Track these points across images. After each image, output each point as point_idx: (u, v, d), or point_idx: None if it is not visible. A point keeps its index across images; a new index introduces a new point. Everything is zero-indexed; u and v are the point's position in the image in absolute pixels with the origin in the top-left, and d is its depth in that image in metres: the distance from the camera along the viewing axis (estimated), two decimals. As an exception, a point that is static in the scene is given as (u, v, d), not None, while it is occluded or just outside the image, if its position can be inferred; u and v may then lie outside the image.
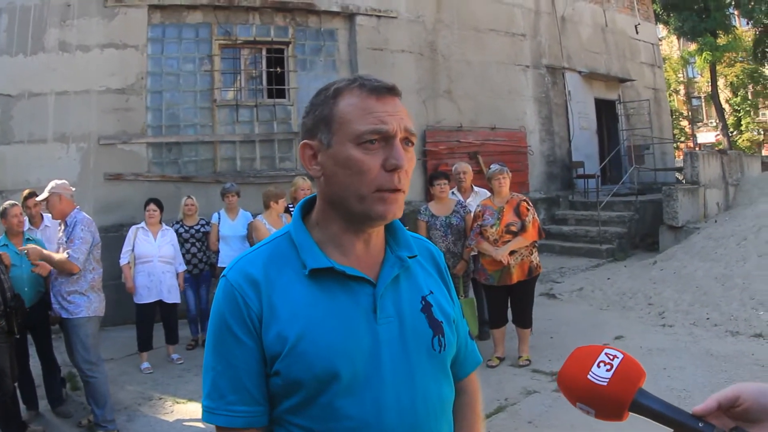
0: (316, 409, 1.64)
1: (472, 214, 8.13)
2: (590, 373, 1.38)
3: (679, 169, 18.68)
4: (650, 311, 9.65)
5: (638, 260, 13.08)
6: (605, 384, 1.36)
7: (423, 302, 1.79)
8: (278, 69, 13.44)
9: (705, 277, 10.13)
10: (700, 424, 1.29)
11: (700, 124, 47.55)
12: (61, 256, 6.21)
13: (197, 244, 9.34)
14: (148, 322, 8.62)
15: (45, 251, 6.55)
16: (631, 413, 1.37)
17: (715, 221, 13.18)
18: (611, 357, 1.40)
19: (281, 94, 13.40)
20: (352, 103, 1.64)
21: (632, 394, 1.35)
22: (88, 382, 6.43)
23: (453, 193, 8.90)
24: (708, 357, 7.40)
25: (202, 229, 9.39)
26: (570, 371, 1.42)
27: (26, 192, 7.87)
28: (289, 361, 1.61)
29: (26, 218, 7.94)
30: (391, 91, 1.67)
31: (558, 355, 7.89)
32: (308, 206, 1.84)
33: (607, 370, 1.37)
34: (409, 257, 1.80)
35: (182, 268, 8.96)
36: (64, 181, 6.58)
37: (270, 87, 13.38)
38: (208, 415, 1.69)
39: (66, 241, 6.26)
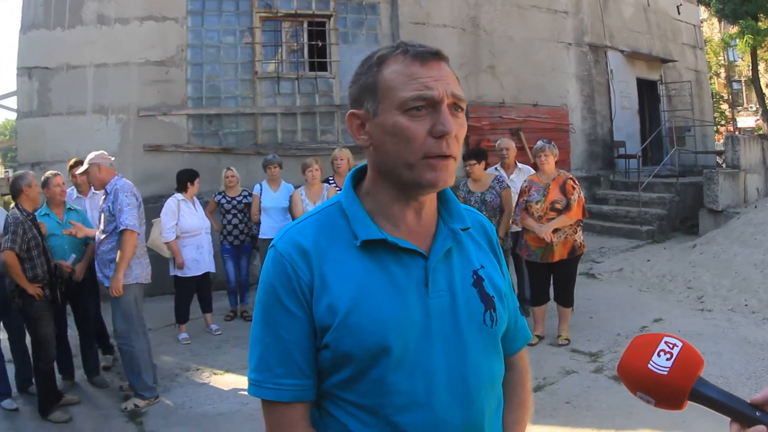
0: (366, 383, 1.62)
1: (510, 190, 8.12)
2: (651, 362, 1.38)
3: (720, 153, 18.47)
4: (689, 295, 9.56)
5: (678, 243, 12.96)
6: (666, 373, 1.36)
7: (474, 276, 1.76)
8: (319, 42, 13.40)
9: (744, 262, 10.01)
10: (757, 413, 1.32)
11: (740, 108, 47.04)
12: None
13: (239, 215, 9.35)
14: (189, 295, 8.70)
15: (88, 231, 6.70)
16: (689, 402, 1.38)
17: (755, 206, 12.99)
18: (671, 346, 1.40)
19: (323, 67, 13.37)
20: (396, 70, 1.61)
21: (692, 382, 1.36)
22: (123, 350, 6.48)
23: (496, 169, 8.87)
24: (745, 344, 7.32)
25: (244, 200, 9.39)
26: (631, 361, 1.42)
27: (72, 161, 7.91)
28: (339, 333, 1.59)
29: (73, 187, 8.00)
30: (435, 55, 1.63)
31: (597, 336, 7.91)
32: (359, 175, 1.82)
33: (668, 359, 1.38)
34: (462, 229, 1.77)
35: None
36: (102, 151, 6.63)
37: (311, 60, 13.38)
38: (254, 388, 1.67)
39: (112, 210, 6.27)
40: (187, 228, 8.41)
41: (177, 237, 8.34)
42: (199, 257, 8.47)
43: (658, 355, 1.38)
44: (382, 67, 1.62)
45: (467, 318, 1.69)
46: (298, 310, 1.62)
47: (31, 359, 6.38)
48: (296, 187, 9.08)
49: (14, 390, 6.64)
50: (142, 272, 6.47)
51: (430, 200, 1.74)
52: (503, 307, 1.80)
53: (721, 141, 19.38)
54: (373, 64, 1.65)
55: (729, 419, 1.36)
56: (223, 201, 9.31)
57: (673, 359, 1.37)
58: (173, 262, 8.40)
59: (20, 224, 6.00)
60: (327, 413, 1.69)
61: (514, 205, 8.00)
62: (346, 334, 1.58)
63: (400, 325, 1.59)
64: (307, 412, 1.69)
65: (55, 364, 6.45)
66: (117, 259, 6.22)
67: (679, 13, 20.28)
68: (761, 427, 1.29)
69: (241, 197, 9.41)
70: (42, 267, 6.16)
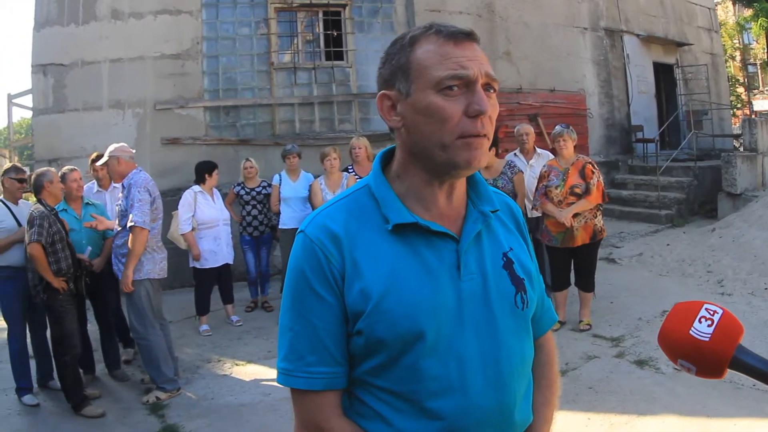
0: (399, 370, 1.61)
1: (522, 175, 8.09)
2: (692, 328, 1.38)
3: (737, 136, 18.38)
4: (709, 279, 9.54)
5: (697, 227, 12.92)
6: (707, 339, 1.36)
7: (504, 258, 1.76)
8: (335, 32, 13.39)
9: (763, 246, 9.97)
10: None
11: (756, 91, 46.64)
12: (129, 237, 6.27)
13: (258, 206, 9.34)
14: (209, 286, 8.70)
15: (108, 225, 6.75)
16: (729, 370, 1.37)
17: (774, 190, 12.95)
18: (712, 312, 1.39)
19: (339, 56, 13.35)
20: (429, 50, 1.59)
21: (733, 349, 1.36)
22: (140, 344, 6.53)
23: (515, 154, 8.84)
24: (766, 327, 7.32)
25: (264, 191, 9.37)
26: (672, 328, 1.42)
27: (94, 155, 7.94)
28: (372, 319, 1.58)
29: (94, 181, 8.04)
30: (469, 36, 1.62)
31: (618, 321, 7.91)
32: (387, 158, 1.81)
33: (709, 326, 1.37)
34: (492, 212, 1.76)
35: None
36: (123, 143, 6.66)
37: (327, 49, 13.37)
38: (285, 377, 1.67)
39: (125, 206, 6.31)
40: (204, 220, 8.41)
41: (193, 229, 8.36)
42: (216, 249, 8.47)
43: (699, 322, 1.38)
44: (415, 47, 1.61)
45: (499, 301, 1.69)
46: (330, 296, 1.61)
47: (53, 354, 6.41)
48: (315, 177, 9.07)
49: (35, 386, 6.69)
50: (154, 267, 6.45)
51: (460, 183, 1.73)
52: (533, 289, 1.81)
53: (738, 124, 19.23)
54: (405, 44, 1.64)
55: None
56: (242, 192, 9.29)
57: (714, 326, 1.36)
58: (192, 254, 8.42)
59: (45, 217, 6.04)
60: (358, 400, 1.69)
61: (534, 189, 7.99)
62: (379, 320, 1.57)
63: (433, 309, 1.59)
64: (339, 400, 1.68)
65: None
66: (126, 256, 6.28)
67: (694, -4, 20.14)
68: None
69: (260, 188, 9.39)
70: (66, 261, 6.19)
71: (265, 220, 9.42)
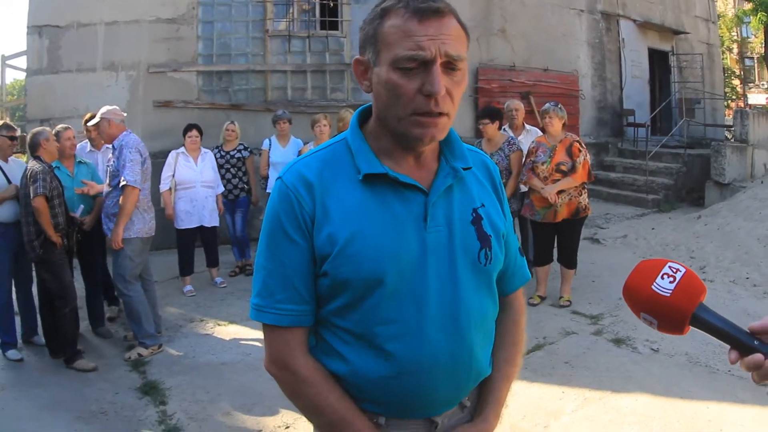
0: (361, 311, 1.69)
1: (521, 152, 8.12)
2: (654, 283, 1.44)
3: (729, 127, 18.42)
4: (691, 265, 9.50)
5: (683, 213, 12.96)
6: (668, 295, 1.42)
7: (474, 214, 1.82)
8: (331, 2, 13.34)
9: (748, 236, 10.02)
10: (755, 342, 1.36)
11: (751, 84, 46.69)
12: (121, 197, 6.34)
13: (232, 169, 9.33)
14: (189, 247, 8.76)
15: (100, 189, 6.81)
16: (691, 327, 1.43)
17: (762, 182, 12.96)
18: (674, 270, 1.45)
19: (334, 26, 13.31)
20: (394, 24, 1.63)
21: (693, 306, 1.41)
22: (123, 299, 6.64)
23: (505, 129, 8.84)
24: (745, 316, 7.33)
25: (238, 155, 9.35)
26: (635, 282, 1.48)
27: (88, 115, 7.94)
28: (338, 262, 1.66)
29: (87, 141, 8.06)
30: (436, 12, 1.62)
31: (598, 299, 7.97)
32: (366, 114, 1.86)
33: (670, 282, 1.43)
34: (464, 168, 1.81)
35: (220, 189, 8.98)
36: (114, 106, 6.70)
37: (323, 19, 13.31)
38: (256, 312, 1.76)
39: (116, 166, 6.38)
40: (181, 180, 8.50)
41: (171, 189, 8.46)
42: (192, 210, 8.53)
43: (662, 278, 1.43)
44: (384, 19, 1.65)
45: (462, 254, 1.76)
46: (300, 238, 1.70)
47: (41, 308, 6.57)
48: (305, 143, 9.10)
49: (19, 341, 6.75)
50: (143, 227, 6.55)
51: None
52: (500, 246, 1.87)
53: (731, 116, 19.28)
54: (377, 14, 1.68)
55: (728, 348, 1.40)
56: (218, 155, 9.24)
57: (676, 282, 1.42)
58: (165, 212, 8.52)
59: (46, 172, 6.10)
60: (322, 339, 1.78)
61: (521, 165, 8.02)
62: (344, 263, 1.65)
63: (396, 256, 1.66)
64: (305, 337, 1.78)
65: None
66: (117, 214, 6.33)
67: (693, -15, 20.11)
68: (758, 356, 1.34)
69: (235, 151, 9.37)
70: (62, 216, 6.28)
71: (239, 183, 9.39)
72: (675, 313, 1.41)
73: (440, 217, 1.73)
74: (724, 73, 28.24)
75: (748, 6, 27.74)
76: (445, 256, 1.73)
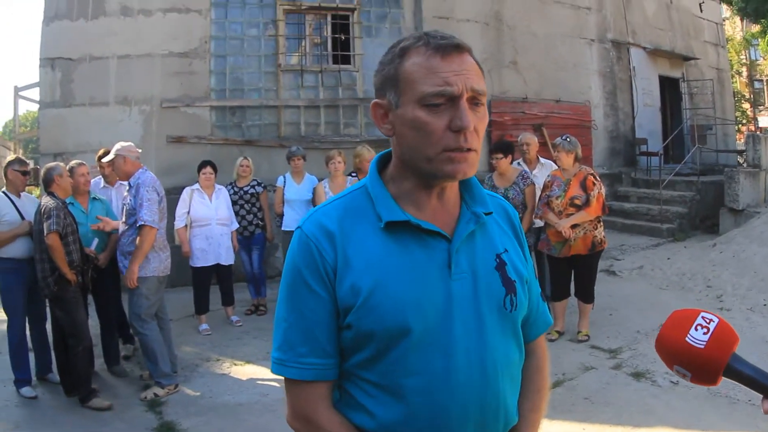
0: (386, 363, 1.66)
1: (534, 186, 8.13)
2: (688, 335, 1.42)
3: (741, 152, 18.37)
4: (708, 294, 9.54)
5: (698, 241, 12.89)
6: (702, 347, 1.40)
7: (497, 260, 1.79)
8: (343, 36, 13.41)
9: (763, 262, 9.96)
10: None
11: (761, 107, 46.67)
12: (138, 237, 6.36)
13: (246, 205, 9.28)
14: (204, 285, 8.73)
15: (115, 223, 6.80)
16: (724, 378, 1.41)
17: (775, 207, 12.95)
18: (707, 321, 1.43)
19: (346, 60, 13.35)
20: (417, 63, 1.63)
21: (727, 357, 1.39)
22: (139, 338, 6.61)
23: (519, 163, 8.84)
24: (764, 344, 7.35)
25: (251, 191, 9.31)
26: (669, 334, 1.46)
27: (101, 151, 7.99)
28: (361, 313, 1.63)
29: (101, 177, 8.11)
30: (457, 48, 1.64)
31: (616, 333, 7.92)
32: (385, 160, 1.85)
33: (704, 333, 1.41)
34: (485, 214, 1.80)
35: (235, 226, 8.95)
36: (129, 143, 6.73)
37: (335, 53, 13.38)
38: (277, 367, 1.73)
39: (133, 205, 6.39)
40: (196, 218, 8.51)
41: (186, 226, 8.47)
42: (207, 248, 8.52)
43: (696, 329, 1.41)
44: (404, 58, 1.65)
45: (488, 301, 1.73)
46: (322, 290, 1.67)
47: (56, 346, 6.51)
48: (319, 180, 9.09)
49: (33, 378, 6.73)
50: (159, 265, 6.56)
51: (452, 186, 1.78)
52: (524, 292, 1.84)
53: (743, 140, 19.25)
54: (396, 54, 1.68)
55: (761, 397, 1.38)
56: (231, 192, 9.20)
57: (710, 334, 1.40)
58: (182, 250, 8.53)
59: (59, 209, 6.13)
60: (348, 393, 1.75)
61: (537, 199, 8.00)
62: (367, 314, 1.63)
63: (420, 306, 1.63)
64: (329, 392, 1.75)
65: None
66: (133, 253, 6.34)
67: (701, 11, 20.12)
68: None
69: (249, 187, 9.33)
70: (77, 253, 6.30)
71: (254, 220, 9.34)
72: (709, 365, 1.40)
73: (464, 264, 1.71)
74: (734, 97, 28.22)
75: (756, 28, 27.78)
76: (471, 303, 1.70)
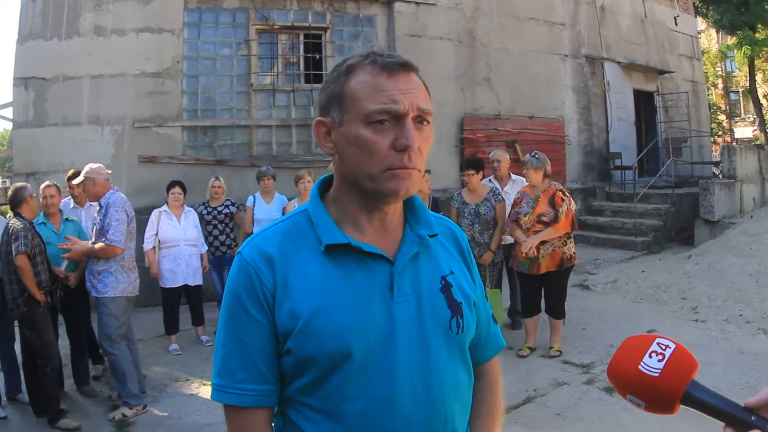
0: (328, 388, 1.63)
1: (505, 203, 8.14)
2: (641, 363, 1.35)
3: (717, 163, 18.50)
4: (683, 306, 9.56)
5: (673, 254, 12.97)
6: (657, 375, 1.33)
7: (443, 282, 1.77)
8: (316, 55, 13.44)
9: (739, 273, 10.02)
10: (752, 418, 1.28)
11: (737, 118, 47.03)
12: (100, 244, 6.37)
13: (219, 225, 9.26)
14: (174, 306, 8.71)
15: (83, 246, 6.65)
16: (682, 406, 1.34)
17: (751, 217, 13.05)
18: (663, 347, 1.37)
19: (318, 79, 13.31)
20: (363, 81, 1.61)
21: (684, 385, 1.33)
22: (108, 358, 6.59)
23: (490, 180, 8.85)
24: (740, 354, 7.35)
25: (225, 211, 9.30)
26: (621, 363, 1.39)
27: (71, 172, 7.96)
28: (301, 338, 1.61)
29: (70, 197, 8.09)
30: (404, 66, 1.62)
31: (589, 347, 7.91)
32: (327, 183, 1.83)
33: (659, 361, 1.34)
34: (429, 236, 1.78)
35: (204, 248, 8.95)
36: (99, 165, 6.73)
37: (308, 72, 13.40)
38: (217, 393, 1.70)
39: (102, 224, 6.40)
40: (165, 239, 8.49)
41: (154, 248, 8.45)
42: (175, 269, 8.50)
43: (650, 357, 1.35)
44: (350, 76, 1.63)
45: (433, 324, 1.70)
46: (261, 315, 1.64)
47: (25, 366, 6.50)
48: (290, 199, 9.08)
49: (3, 399, 6.68)
50: (128, 286, 6.56)
51: (394, 208, 1.75)
52: (471, 314, 1.81)
53: (718, 152, 19.38)
54: (342, 72, 1.66)
55: (723, 424, 1.32)
56: (204, 212, 9.22)
57: (665, 361, 1.33)
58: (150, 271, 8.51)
59: (27, 230, 6.12)
60: (289, 420, 1.71)
61: (507, 215, 8.01)
62: (307, 339, 1.60)
63: (362, 330, 1.61)
64: (269, 418, 1.71)
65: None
66: (89, 250, 6.45)
67: (676, 24, 20.26)
68: None
69: (223, 207, 9.32)
70: (45, 273, 6.28)
71: (227, 240, 9.32)
72: (664, 394, 1.33)
73: (407, 287, 1.69)
74: (710, 110, 28.43)
75: (732, 40, 28.00)
76: (415, 326, 1.67)
